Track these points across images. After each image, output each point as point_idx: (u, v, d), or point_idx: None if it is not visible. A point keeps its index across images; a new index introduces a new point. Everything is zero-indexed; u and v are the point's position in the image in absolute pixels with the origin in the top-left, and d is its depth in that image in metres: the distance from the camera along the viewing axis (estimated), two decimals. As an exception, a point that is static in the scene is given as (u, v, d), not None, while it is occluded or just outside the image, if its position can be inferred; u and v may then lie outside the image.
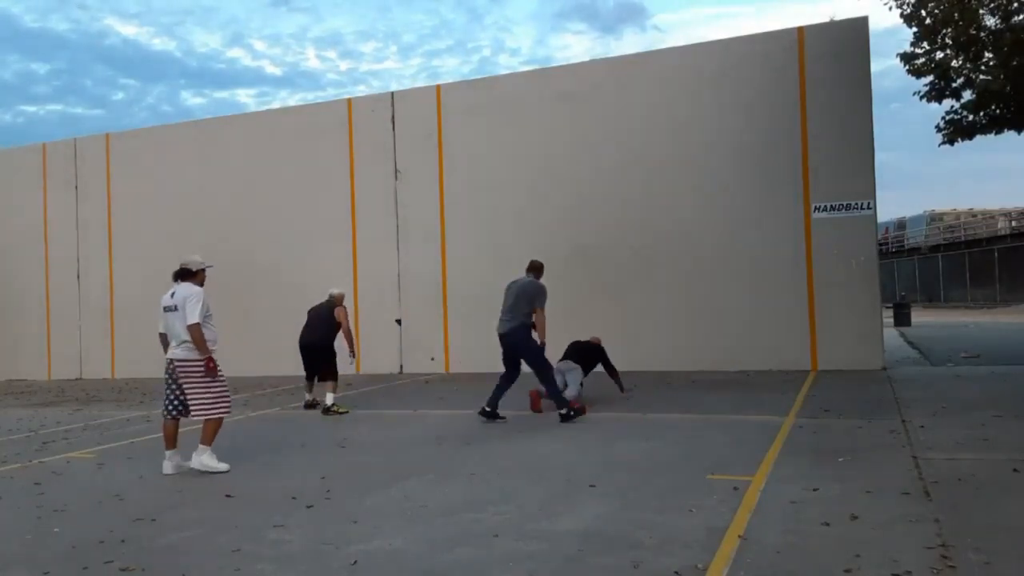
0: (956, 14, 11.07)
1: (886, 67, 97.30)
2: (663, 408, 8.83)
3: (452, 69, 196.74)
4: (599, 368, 9.52)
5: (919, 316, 26.15)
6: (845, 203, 12.02)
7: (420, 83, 70.02)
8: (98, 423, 9.73)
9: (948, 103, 12.59)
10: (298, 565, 3.99)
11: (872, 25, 14.78)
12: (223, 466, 6.30)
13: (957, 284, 37.89)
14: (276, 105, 37.13)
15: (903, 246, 47.88)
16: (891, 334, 17.15)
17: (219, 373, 6.31)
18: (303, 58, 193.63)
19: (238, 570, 3.95)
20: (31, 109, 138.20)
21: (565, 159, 13.62)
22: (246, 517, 4.93)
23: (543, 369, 8.25)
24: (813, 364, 12.06)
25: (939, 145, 13.10)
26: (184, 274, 6.47)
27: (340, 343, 9.93)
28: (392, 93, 14.99)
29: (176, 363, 6.31)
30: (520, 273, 8.71)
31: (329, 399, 9.54)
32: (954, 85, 12.32)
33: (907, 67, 12.37)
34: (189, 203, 16.14)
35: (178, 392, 6.37)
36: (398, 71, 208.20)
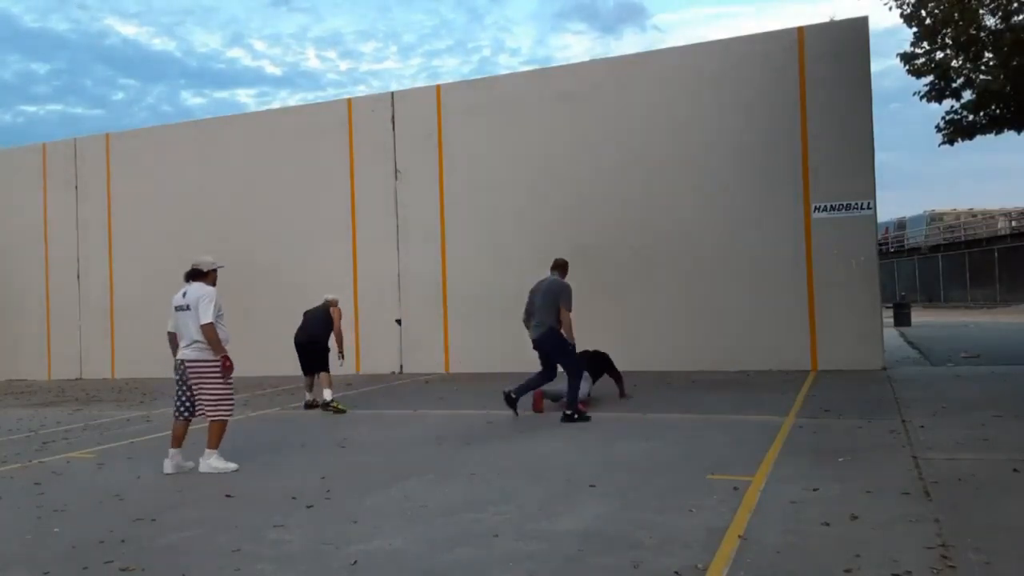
0: (956, 14, 11.07)
1: (886, 67, 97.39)
2: (663, 408, 8.83)
3: (452, 69, 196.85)
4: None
5: (919, 316, 26.15)
6: (845, 203, 12.02)
7: (420, 83, 70.11)
8: (98, 423, 9.73)
9: (948, 103, 12.61)
10: (298, 565, 3.99)
11: (872, 25, 14.79)
12: (232, 466, 6.33)
13: (957, 284, 37.90)
14: (276, 105, 37.16)
15: (903, 246, 47.88)
16: (891, 334, 17.15)
17: (230, 375, 6.36)
18: (303, 58, 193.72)
19: (238, 570, 3.95)
20: (31, 109, 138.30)
21: (565, 159, 13.62)
22: (246, 517, 4.93)
23: (574, 374, 8.22)
24: (813, 364, 12.06)
25: (939, 145, 13.11)
26: (195, 274, 6.49)
27: (334, 342, 10.16)
28: (392, 93, 14.99)
29: (187, 363, 6.34)
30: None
31: (327, 395, 9.70)
32: (954, 85, 12.31)
33: (907, 67, 12.37)
34: (189, 203, 16.14)
35: (189, 393, 6.41)
36: (398, 71, 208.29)
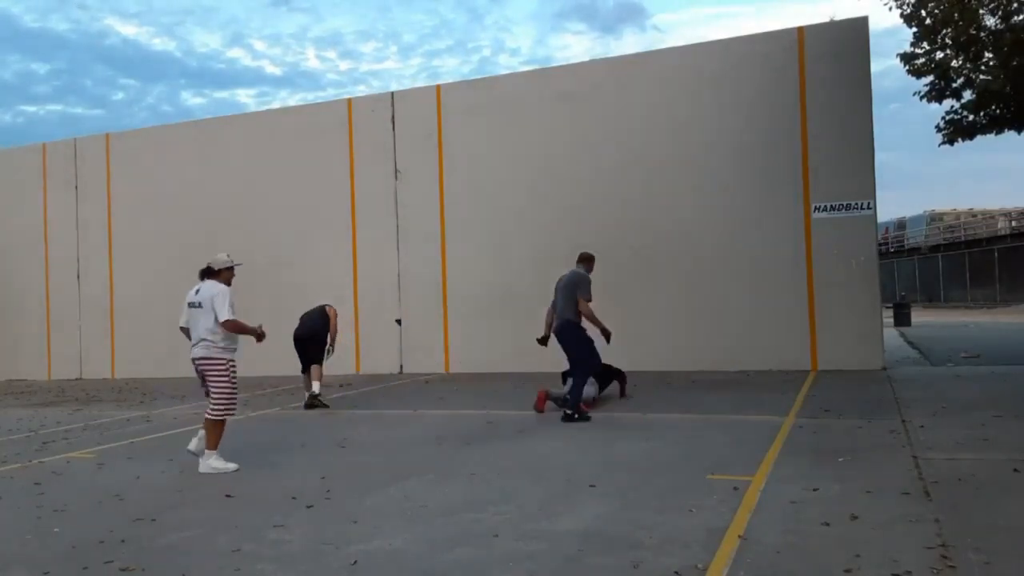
0: (956, 14, 11.06)
1: (886, 67, 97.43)
2: (663, 408, 8.82)
3: (452, 69, 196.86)
4: None
5: (919, 316, 26.15)
6: (845, 203, 12.02)
7: (420, 83, 70.09)
8: (98, 423, 9.73)
9: (948, 103, 12.60)
10: (298, 565, 3.99)
11: (872, 25, 14.79)
12: (232, 466, 6.35)
13: (957, 284, 37.90)
14: (276, 105, 37.17)
15: (903, 246, 47.88)
16: (891, 334, 17.15)
17: (233, 377, 6.40)
18: (303, 58, 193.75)
19: (238, 570, 3.95)
20: (31, 109, 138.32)
21: (565, 159, 13.62)
22: (246, 517, 4.93)
23: (582, 370, 8.23)
24: (813, 364, 12.05)
25: (939, 145, 13.10)
26: (209, 272, 6.52)
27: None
28: (392, 93, 14.99)
29: (197, 361, 6.41)
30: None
31: (316, 387, 9.96)
32: (954, 85, 12.31)
33: (907, 67, 12.37)
34: (189, 203, 16.14)
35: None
36: (398, 71, 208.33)
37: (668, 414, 8.39)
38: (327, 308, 10.40)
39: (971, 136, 12.75)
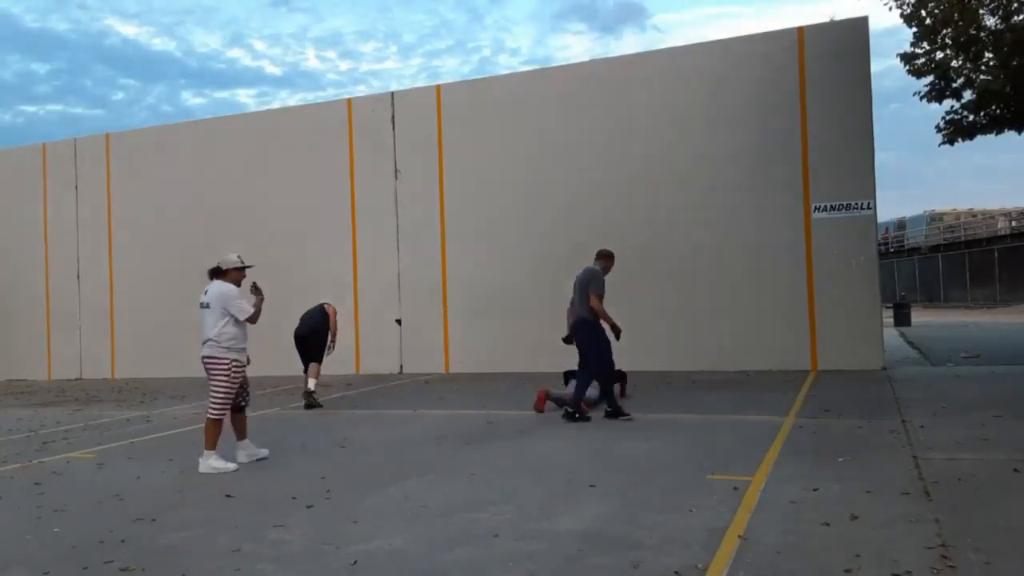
0: (956, 14, 11.07)
1: (886, 67, 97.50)
2: (663, 408, 8.83)
3: (452, 69, 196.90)
4: None
5: (919, 316, 26.14)
6: (845, 203, 12.02)
7: (420, 83, 70.09)
8: (98, 423, 9.73)
9: (948, 103, 12.61)
10: (298, 565, 3.99)
11: (872, 25, 14.79)
12: (231, 466, 6.36)
13: (957, 284, 37.89)
14: (276, 105, 37.16)
15: (903, 246, 47.88)
16: (891, 334, 17.15)
17: (235, 376, 6.40)
18: (303, 58, 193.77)
19: (238, 570, 3.95)
20: (31, 109, 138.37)
21: (565, 159, 13.62)
22: (246, 517, 4.93)
23: (589, 370, 8.22)
24: (813, 364, 12.05)
25: (939, 145, 13.11)
26: (217, 272, 6.52)
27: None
28: (392, 93, 14.99)
29: (204, 359, 6.43)
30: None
31: (311, 384, 10.05)
32: (954, 85, 12.31)
33: (907, 67, 12.37)
34: (189, 203, 16.14)
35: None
36: (398, 71, 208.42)
37: (668, 414, 8.39)
38: (326, 306, 10.49)
39: (971, 136, 12.75)
